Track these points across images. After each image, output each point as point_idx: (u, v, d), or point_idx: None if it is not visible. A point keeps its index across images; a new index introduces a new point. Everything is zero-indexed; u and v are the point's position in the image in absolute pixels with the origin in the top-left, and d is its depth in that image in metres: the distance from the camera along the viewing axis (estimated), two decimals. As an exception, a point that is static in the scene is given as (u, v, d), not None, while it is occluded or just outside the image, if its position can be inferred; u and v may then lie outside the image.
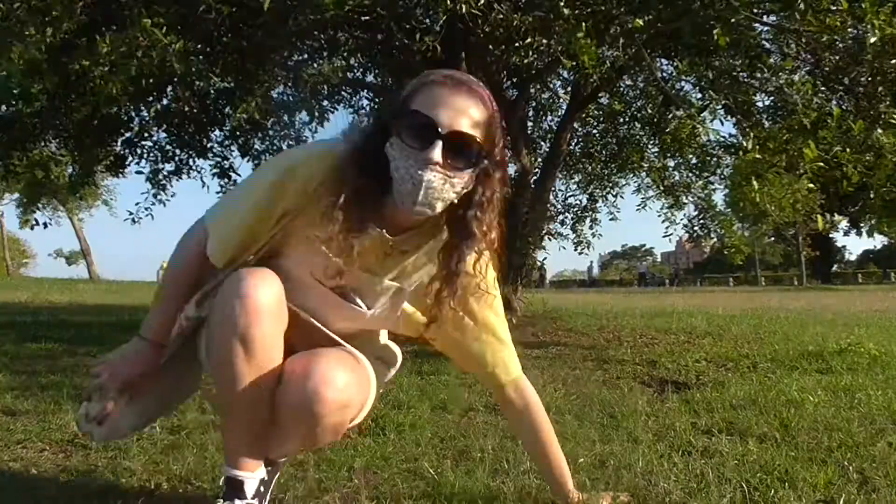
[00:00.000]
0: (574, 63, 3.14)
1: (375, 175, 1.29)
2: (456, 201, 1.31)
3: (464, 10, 3.14)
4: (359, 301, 1.43)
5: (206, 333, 1.45)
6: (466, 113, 1.25)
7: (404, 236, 1.39)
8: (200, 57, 3.57)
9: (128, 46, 2.87)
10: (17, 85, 2.91)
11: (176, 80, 4.76)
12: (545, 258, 8.04)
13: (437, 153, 1.21)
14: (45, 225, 6.11)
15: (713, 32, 3.37)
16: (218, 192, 6.40)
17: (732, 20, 3.42)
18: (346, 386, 1.32)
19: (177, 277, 1.49)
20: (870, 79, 4.01)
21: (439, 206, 1.29)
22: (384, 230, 1.35)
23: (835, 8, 3.28)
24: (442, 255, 1.39)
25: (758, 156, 3.98)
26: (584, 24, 2.94)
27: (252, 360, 1.28)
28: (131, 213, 5.96)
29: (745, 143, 4.09)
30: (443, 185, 1.25)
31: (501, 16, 3.42)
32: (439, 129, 1.22)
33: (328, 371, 1.30)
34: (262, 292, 1.29)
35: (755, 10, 3.86)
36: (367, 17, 3.27)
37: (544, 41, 3.72)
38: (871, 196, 4.15)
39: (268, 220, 1.39)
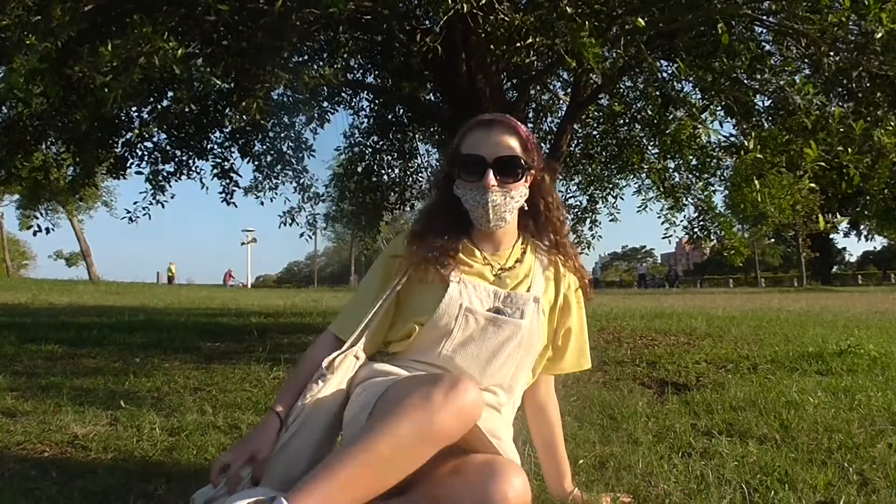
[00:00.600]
0: (577, 62, 3.14)
1: (453, 216, 1.65)
2: (525, 207, 1.67)
3: (465, 9, 3.14)
4: (511, 313, 1.60)
5: (368, 391, 1.49)
6: (503, 142, 1.60)
7: (500, 254, 1.68)
8: (201, 60, 3.57)
9: (129, 52, 2.87)
10: (21, 92, 2.90)
11: (176, 83, 4.77)
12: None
13: (490, 178, 1.57)
14: (48, 230, 6.08)
15: (714, 32, 3.37)
16: (219, 193, 6.40)
17: (733, 20, 3.42)
18: (523, 489, 1.35)
19: (307, 366, 1.61)
20: (868, 84, 4.01)
21: (509, 217, 1.64)
22: (479, 249, 1.66)
23: (838, 6, 3.27)
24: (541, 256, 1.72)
25: (759, 156, 3.98)
26: (586, 22, 2.94)
27: (422, 444, 1.28)
28: (129, 212, 5.96)
29: (746, 143, 4.08)
30: (504, 200, 1.60)
31: (502, 16, 3.42)
32: (486, 160, 1.58)
33: (510, 472, 1.36)
34: (473, 397, 1.33)
35: (757, 10, 3.86)
36: (368, 17, 3.26)
37: (545, 41, 3.71)
38: (869, 200, 4.15)
39: (380, 291, 1.63)
